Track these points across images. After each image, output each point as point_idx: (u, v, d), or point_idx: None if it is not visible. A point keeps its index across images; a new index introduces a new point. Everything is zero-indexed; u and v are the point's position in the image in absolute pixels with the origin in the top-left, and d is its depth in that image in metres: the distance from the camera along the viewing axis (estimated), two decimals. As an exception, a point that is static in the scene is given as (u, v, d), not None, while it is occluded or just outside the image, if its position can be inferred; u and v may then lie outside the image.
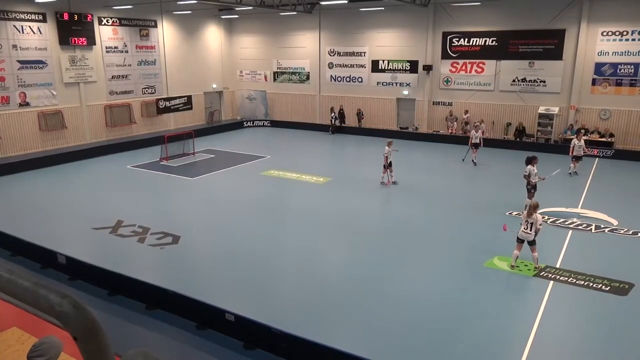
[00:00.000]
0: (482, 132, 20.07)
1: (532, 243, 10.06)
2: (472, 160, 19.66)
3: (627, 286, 9.52)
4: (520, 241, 10.19)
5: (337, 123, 27.44)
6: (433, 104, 26.21)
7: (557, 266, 10.42)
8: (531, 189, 13.41)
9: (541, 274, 10.08)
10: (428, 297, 9.25)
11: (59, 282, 9.71)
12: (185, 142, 22.06)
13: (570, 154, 17.85)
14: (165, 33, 27.02)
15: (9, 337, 2.96)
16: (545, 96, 23.32)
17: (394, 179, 16.77)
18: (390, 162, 16.48)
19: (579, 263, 10.54)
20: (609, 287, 9.48)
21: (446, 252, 11.40)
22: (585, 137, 19.83)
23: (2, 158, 20.16)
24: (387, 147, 16.36)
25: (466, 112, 24.88)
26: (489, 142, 23.39)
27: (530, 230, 9.98)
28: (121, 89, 25.29)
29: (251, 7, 22.66)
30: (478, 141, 19.35)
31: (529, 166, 13.48)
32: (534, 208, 10.09)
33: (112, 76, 24.84)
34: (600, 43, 21.73)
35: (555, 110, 23.01)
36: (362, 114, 27.49)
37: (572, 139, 18.35)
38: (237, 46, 31.60)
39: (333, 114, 27.49)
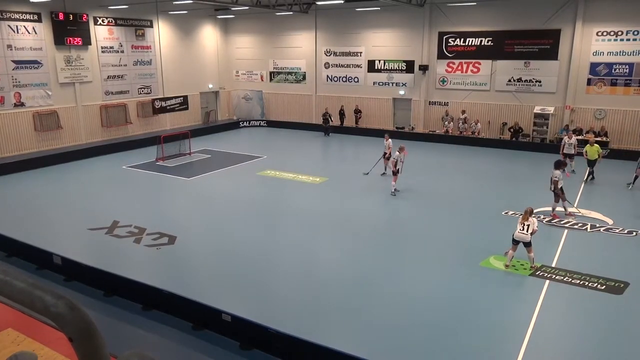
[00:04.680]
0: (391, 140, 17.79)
1: (528, 244, 10.13)
2: (384, 172, 17.75)
3: (622, 285, 9.56)
4: (515, 242, 10.25)
5: (332, 122, 26.80)
6: (429, 104, 26.25)
7: (553, 265, 10.46)
8: (559, 192, 13.29)
9: (537, 273, 10.12)
10: (424, 296, 9.27)
11: (54, 283, 9.67)
12: (182, 142, 22.01)
13: (561, 151, 17.92)
14: (161, 33, 26.94)
15: (4, 339, 2.95)
16: (541, 96, 23.40)
17: (394, 187, 15.54)
18: (399, 169, 15.43)
19: (574, 262, 10.58)
20: (604, 286, 9.53)
21: (442, 251, 11.42)
22: (580, 137, 19.89)
23: (-3, 158, 20.09)
24: (397, 152, 15.52)
25: (463, 112, 24.90)
26: (486, 142, 23.52)
27: (526, 231, 10.05)
28: (117, 89, 25.21)
29: (247, 7, 22.64)
30: (388, 151, 17.47)
31: (557, 171, 13.35)
32: (529, 213, 10.23)
33: (108, 76, 24.77)
34: (595, 43, 21.82)
35: (550, 110, 23.09)
36: (360, 112, 27.44)
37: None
38: (233, 46, 31.56)
39: (327, 115, 26.74)
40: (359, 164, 20.27)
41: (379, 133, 25.96)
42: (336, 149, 24.61)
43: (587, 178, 17.05)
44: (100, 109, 24.52)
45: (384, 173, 17.78)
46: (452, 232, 12.58)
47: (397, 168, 15.47)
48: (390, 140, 17.74)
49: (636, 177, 16.38)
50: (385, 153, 17.65)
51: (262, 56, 30.76)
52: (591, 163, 17.02)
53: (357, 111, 27.59)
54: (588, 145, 17.20)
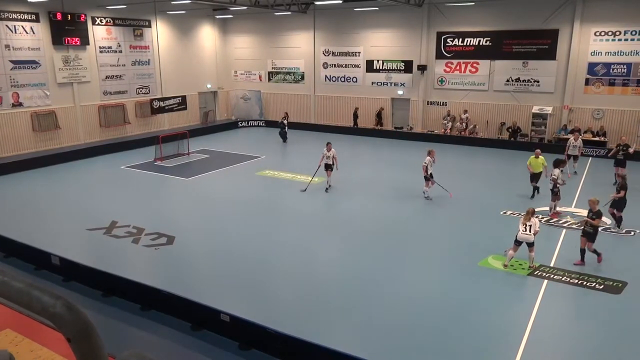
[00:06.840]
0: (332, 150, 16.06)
1: (531, 244, 10.16)
2: (326, 189, 16.15)
3: (620, 285, 9.58)
4: (517, 243, 10.25)
5: (286, 127, 24.87)
6: (427, 104, 26.27)
7: (551, 265, 10.47)
8: (557, 191, 13.32)
9: (535, 273, 10.13)
10: (423, 296, 9.27)
11: (52, 284, 9.65)
12: (180, 142, 21.99)
13: (565, 152, 17.92)
14: (160, 33, 26.94)
15: (2, 339, 2.95)
16: (539, 96, 23.43)
17: (427, 192, 15.15)
18: (431, 173, 14.93)
19: (573, 262, 10.59)
20: (602, 286, 9.54)
21: (441, 251, 11.44)
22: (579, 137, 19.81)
23: (-5, 159, 20.05)
24: (428, 157, 14.94)
25: (465, 111, 24.89)
26: (484, 142, 23.53)
27: (530, 231, 10.08)
28: (115, 89, 25.18)
29: (245, 7, 22.63)
30: (331, 162, 16.05)
31: (556, 169, 13.38)
32: (531, 214, 10.25)
33: (106, 76, 24.74)
34: (593, 43, 21.86)
35: (549, 110, 23.12)
36: (381, 116, 27.16)
37: (568, 138, 18.33)
38: (231, 46, 31.55)
39: (285, 120, 25.07)
40: (358, 164, 20.27)
41: (378, 133, 26.06)
42: (335, 149, 24.53)
43: (533, 194, 15.10)
44: (99, 109, 24.48)
45: (327, 188, 16.16)
46: (451, 232, 12.59)
47: (428, 173, 15.01)
48: (333, 150, 16.05)
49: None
50: (327, 164, 16.07)
51: (260, 56, 30.75)
52: (534, 177, 14.95)
53: (379, 114, 27.19)
54: (532, 157, 14.94)
